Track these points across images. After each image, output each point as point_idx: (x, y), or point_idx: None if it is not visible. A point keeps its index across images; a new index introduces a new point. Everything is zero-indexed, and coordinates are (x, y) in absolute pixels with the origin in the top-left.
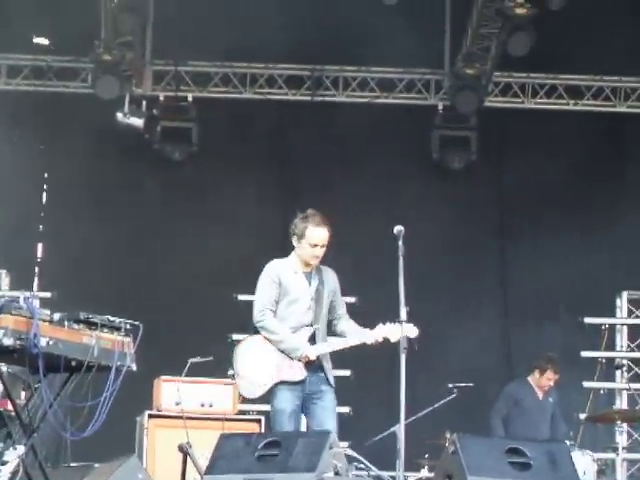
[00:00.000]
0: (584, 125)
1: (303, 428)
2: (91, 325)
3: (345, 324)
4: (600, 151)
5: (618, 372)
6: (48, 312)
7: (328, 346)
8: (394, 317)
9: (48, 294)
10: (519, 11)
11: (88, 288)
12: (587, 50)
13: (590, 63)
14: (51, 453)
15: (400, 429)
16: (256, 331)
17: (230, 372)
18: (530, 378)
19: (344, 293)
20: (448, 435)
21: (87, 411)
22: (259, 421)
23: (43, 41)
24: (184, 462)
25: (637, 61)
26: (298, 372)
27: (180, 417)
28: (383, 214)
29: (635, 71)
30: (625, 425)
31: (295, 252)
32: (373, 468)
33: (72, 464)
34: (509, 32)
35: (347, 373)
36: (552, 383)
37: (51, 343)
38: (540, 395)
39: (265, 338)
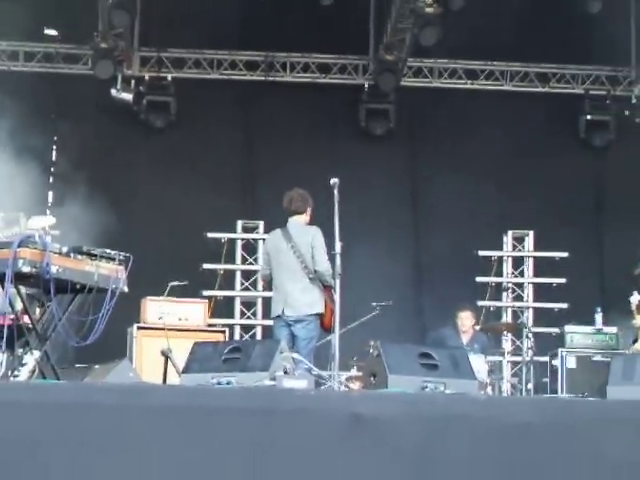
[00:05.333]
0: (475, 100)
1: None
2: (92, 256)
3: None
4: (489, 119)
5: (504, 293)
6: (57, 246)
7: None
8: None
9: (57, 232)
10: (428, 10)
11: (88, 227)
12: (481, 41)
13: (484, 51)
14: (60, 357)
15: (335, 338)
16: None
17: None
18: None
19: None
20: (372, 342)
21: (89, 324)
22: (224, 332)
23: (52, 32)
24: (165, 364)
25: (519, 50)
26: None
27: (162, 329)
28: (321, 169)
29: (518, 58)
30: (509, 334)
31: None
32: (314, 368)
33: (77, 365)
34: (420, 26)
35: None
36: (468, 323)
37: (60, 270)
38: (465, 340)
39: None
